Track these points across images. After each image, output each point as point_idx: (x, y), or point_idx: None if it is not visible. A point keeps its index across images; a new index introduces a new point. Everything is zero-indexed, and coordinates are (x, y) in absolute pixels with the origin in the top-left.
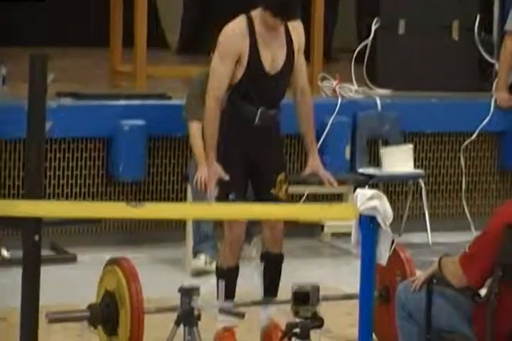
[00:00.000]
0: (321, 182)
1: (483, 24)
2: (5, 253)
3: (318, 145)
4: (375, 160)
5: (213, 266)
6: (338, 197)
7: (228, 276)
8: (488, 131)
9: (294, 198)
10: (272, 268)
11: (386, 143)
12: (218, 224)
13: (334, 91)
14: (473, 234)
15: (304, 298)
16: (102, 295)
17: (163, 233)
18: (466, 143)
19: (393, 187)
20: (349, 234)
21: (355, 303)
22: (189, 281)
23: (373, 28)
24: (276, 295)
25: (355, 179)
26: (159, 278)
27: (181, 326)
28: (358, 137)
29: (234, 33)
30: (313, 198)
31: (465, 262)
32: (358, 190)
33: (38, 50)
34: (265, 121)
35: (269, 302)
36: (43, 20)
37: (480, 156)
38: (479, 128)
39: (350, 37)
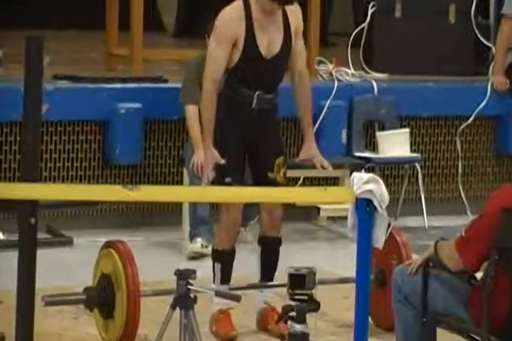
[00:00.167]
0: (315, 166)
1: (479, 8)
2: (1, 236)
3: (315, 129)
4: (372, 144)
5: (209, 249)
6: (334, 181)
7: (224, 259)
8: (484, 114)
9: (290, 182)
10: (269, 252)
11: (382, 127)
12: (214, 208)
13: (331, 75)
14: (470, 217)
15: (300, 281)
16: (98, 278)
17: (160, 216)
18: (462, 127)
19: (389, 171)
20: (345, 218)
21: (352, 287)
22: (185, 265)
23: (370, 11)
24: (273, 279)
25: (352, 163)
26: (155, 262)
27: (177, 309)
28: (354, 121)
29: (230, 17)
30: (310, 182)
31: (461, 246)
32: (355, 174)
33: (34, 32)
34: (262, 105)
35: (264, 286)
36: (40, 3)
37: (476, 140)
38: (476, 112)
39: (346, 21)
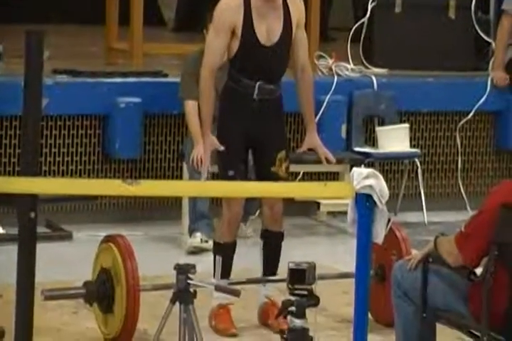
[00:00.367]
0: (317, 161)
1: (479, 3)
2: (0, 230)
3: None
4: (371, 139)
5: (209, 244)
6: (334, 176)
7: (225, 252)
8: (484, 110)
9: (290, 176)
10: (271, 247)
11: (382, 122)
12: (215, 202)
13: (330, 69)
14: (469, 213)
15: (300, 276)
16: (97, 273)
17: (159, 211)
18: (462, 122)
19: (389, 166)
20: (345, 213)
21: (351, 282)
22: (185, 259)
23: (370, 6)
24: (275, 274)
25: (351, 158)
26: (155, 256)
27: (177, 304)
28: (354, 116)
29: (228, 5)
30: (309, 177)
31: (461, 241)
32: (354, 169)
33: (34, 27)
34: (264, 95)
35: (264, 281)
36: None
37: (476, 136)
38: (475, 107)
39: (346, 16)
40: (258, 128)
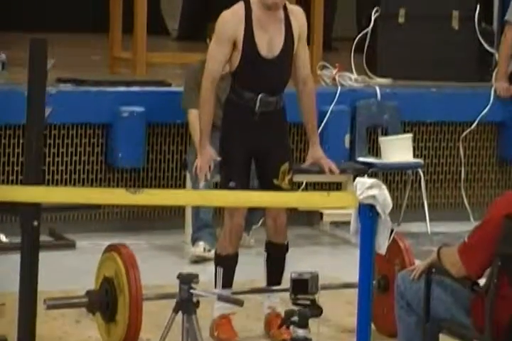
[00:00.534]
0: (321, 171)
1: (483, 14)
2: (4, 238)
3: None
4: (375, 149)
5: (212, 253)
6: (337, 186)
7: (226, 264)
8: (487, 121)
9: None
10: (275, 259)
11: (385, 133)
12: (218, 212)
13: (334, 79)
14: (472, 224)
15: (303, 286)
16: (100, 282)
17: (162, 220)
18: (465, 133)
19: (392, 176)
20: (348, 223)
21: (354, 292)
22: (188, 268)
23: (373, 17)
24: (279, 285)
25: (355, 168)
26: (158, 265)
27: (180, 313)
28: (357, 126)
29: (230, 17)
30: (313, 187)
31: (464, 252)
32: (358, 179)
33: (38, 35)
34: (266, 108)
35: (267, 290)
36: (43, 6)
37: (479, 146)
38: (479, 118)
39: (350, 26)
40: (260, 141)
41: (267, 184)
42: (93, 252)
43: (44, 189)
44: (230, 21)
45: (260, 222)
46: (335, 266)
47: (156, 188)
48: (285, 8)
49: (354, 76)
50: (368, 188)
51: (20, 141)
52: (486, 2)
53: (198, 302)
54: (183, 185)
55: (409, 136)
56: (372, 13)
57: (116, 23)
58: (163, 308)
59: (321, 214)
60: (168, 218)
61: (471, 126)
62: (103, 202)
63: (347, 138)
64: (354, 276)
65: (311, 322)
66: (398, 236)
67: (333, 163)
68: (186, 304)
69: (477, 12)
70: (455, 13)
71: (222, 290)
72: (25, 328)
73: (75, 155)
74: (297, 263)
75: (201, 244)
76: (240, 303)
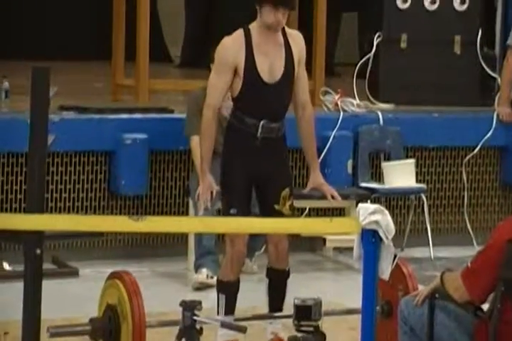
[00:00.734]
0: (322, 197)
1: (485, 38)
2: (7, 266)
3: (320, 159)
4: (377, 175)
5: (215, 280)
6: (340, 212)
7: (228, 290)
8: (490, 145)
9: (296, 212)
10: (277, 285)
11: (388, 158)
12: (221, 239)
13: (336, 105)
14: (476, 248)
15: (306, 312)
16: (103, 309)
17: (165, 247)
18: (468, 157)
19: (395, 201)
20: (351, 249)
21: (358, 318)
22: (191, 295)
23: (375, 42)
24: (281, 311)
25: (358, 193)
26: (161, 292)
27: (183, 340)
28: (360, 151)
29: (230, 43)
30: (316, 212)
31: (467, 277)
32: (360, 205)
33: (41, 63)
34: (268, 134)
35: (270, 317)
36: (46, 34)
37: (482, 171)
38: (481, 142)
39: (352, 52)
40: (262, 167)
41: (268, 210)
42: (96, 280)
43: (47, 217)
44: (230, 48)
45: (263, 248)
46: (338, 291)
47: (160, 215)
48: (284, 33)
49: (356, 101)
50: (370, 214)
51: (23, 169)
52: (487, 27)
53: (201, 329)
54: (186, 212)
55: (412, 161)
56: (375, 39)
57: (119, 50)
58: (166, 335)
59: (324, 240)
60: (171, 245)
61: (473, 150)
62: (106, 230)
63: (349, 163)
64: (357, 302)
65: None
66: (401, 262)
67: (334, 190)
68: (189, 331)
69: (479, 37)
70: (457, 38)
71: (225, 317)
72: None
73: (78, 182)
74: (300, 289)
75: (204, 270)
76: (243, 330)
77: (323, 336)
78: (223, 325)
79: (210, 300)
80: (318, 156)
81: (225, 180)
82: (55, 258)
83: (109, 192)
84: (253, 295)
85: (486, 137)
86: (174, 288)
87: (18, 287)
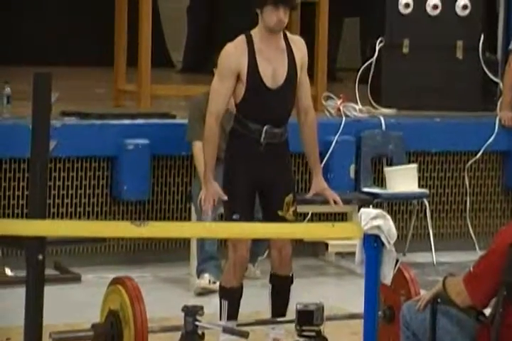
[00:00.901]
0: (325, 202)
1: (487, 43)
2: (9, 272)
3: (323, 164)
4: (380, 180)
5: (217, 285)
6: (342, 217)
7: (231, 296)
8: (492, 150)
9: (298, 217)
10: (280, 291)
11: (390, 163)
12: (223, 244)
13: (338, 110)
14: (478, 253)
15: (308, 317)
16: (105, 315)
17: (168, 252)
18: (470, 162)
19: (397, 206)
20: (354, 254)
21: (360, 323)
22: (193, 301)
23: (377, 47)
24: (284, 317)
25: (360, 198)
26: (163, 298)
27: None
28: (362, 156)
29: (233, 49)
30: (318, 217)
31: (469, 282)
32: (362, 210)
33: (43, 69)
34: (271, 139)
35: (272, 322)
36: (48, 39)
37: (484, 176)
38: (484, 147)
39: (354, 57)
40: (265, 172)
41: (271, 215)
42: (98, 285)
43: (49, 222)
44: (233, 54)
45: (266, 253)
46: (340, 296)
47: (162, 221)
48: (286, 38)
49: (359, 106)
50: (372, 218)
51: (26, 175)
52: (489, 32)
53: (203, 334)
54: (188, 217)
55: (414, 166)
56: (377, 44)
57: (121, 56)
58: None
59: (327, 245)
60: (173, 250)
61: (476, 155)
62: (108, 235)
63: (352, 168)
64: (359, 307)
65: None
66: (404, 267)
67: (336, 195)
68: (191, 336)
69: (481, 42)
70: (459, 43)
71: (227, 322)
72: None
73: (80, 188)
74: (302, 293)
75: (206, 276)
76: (245, 335)
77: None
78: (225, 330)
79: (212, 305)
80: (321, 161)
81: (228, 186)
82: (58, 263)
83: (112, 197)
84: (256, 300)
85: (488, 142)
86: (176, 293)
87: (20, 293)
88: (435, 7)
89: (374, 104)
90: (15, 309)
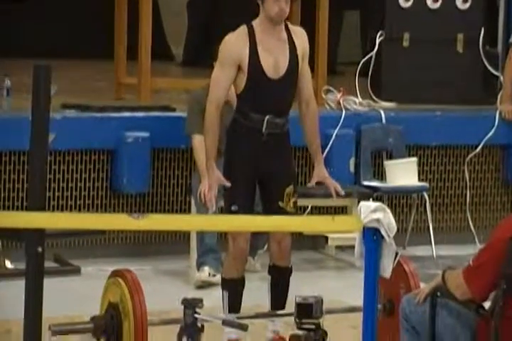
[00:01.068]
0: (326, 195)
1: (487, 37)
2: (8, 264)
3: (322, 157)
4: (380, 173)
5: (217, 278)
6: (342, 210)
7: (232, 288)
8: (492, 143)
9: (298, 210)
10: (279, 282)
11: (390, 156)
12: (223, 237)
13: (338, 103)
14: (478, 246)
15: (308, 310)
16: (105, 307)
17: (167, 245)
18: (470, 156)
19: (397, 200)
20: (353, 247)
21: (359, 316)
22: (193, 293)
23: (378, 40)
24: (283, 309)
25: (360, 192)
26: (163, 290)
27: (184, 338)
28: (362, 150)
29: (233, 40)
30: (318, 210)
31: (469, 275)
32: (362, 203)
33: (42, 61)
34: (273, 130)
35: (272, 315)
36: (48, 32)
37: (484, 169)
38: (484, 141)
39: (354, 50)
40: (266, 163)
41: (271, 207)
42: (98, 278)
43: (49, 215)
44: (234, 44)
45: (266, 246)
46: (340, 289)
47: (161, 213)
48: (287, 29)
49: (359, 100)
50: (372, 212)
51: (25, 167)
52: (490, 25)
53: (202, 327)
54: (188, 210)
55: (414, 159)
56: (377, 37)
57: (121, 49)
58: (168, 333)
59: (326, 238)
60: (173, 243)
61: (476, 149)
62: (106, 228)
63: (352, 162)
64: (359, 300)
65: None
66: (403, 260)
67: (337, 184)
68: (191, 329)
69: (481, 35)
70: (459, 37)
71: (227, 315)
72: None
73: (80, 181)
74: (302, 287)
75: (206, 268)
76: (244, 328)
77: (325, 334)
78: (225, 323)
79: (212, 298)
80: (321, 154)
81: (229, 177)
82: (57, 256)
83: (111, 190)
84: (256, 293)
85: (488, 135)
86: (176, 286)
87: (20, 285)
88: (435, 0)
89: (374, 97)
90: (14, 301)
